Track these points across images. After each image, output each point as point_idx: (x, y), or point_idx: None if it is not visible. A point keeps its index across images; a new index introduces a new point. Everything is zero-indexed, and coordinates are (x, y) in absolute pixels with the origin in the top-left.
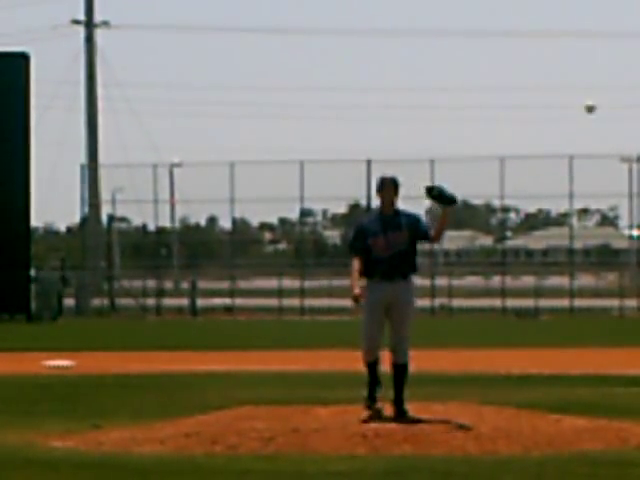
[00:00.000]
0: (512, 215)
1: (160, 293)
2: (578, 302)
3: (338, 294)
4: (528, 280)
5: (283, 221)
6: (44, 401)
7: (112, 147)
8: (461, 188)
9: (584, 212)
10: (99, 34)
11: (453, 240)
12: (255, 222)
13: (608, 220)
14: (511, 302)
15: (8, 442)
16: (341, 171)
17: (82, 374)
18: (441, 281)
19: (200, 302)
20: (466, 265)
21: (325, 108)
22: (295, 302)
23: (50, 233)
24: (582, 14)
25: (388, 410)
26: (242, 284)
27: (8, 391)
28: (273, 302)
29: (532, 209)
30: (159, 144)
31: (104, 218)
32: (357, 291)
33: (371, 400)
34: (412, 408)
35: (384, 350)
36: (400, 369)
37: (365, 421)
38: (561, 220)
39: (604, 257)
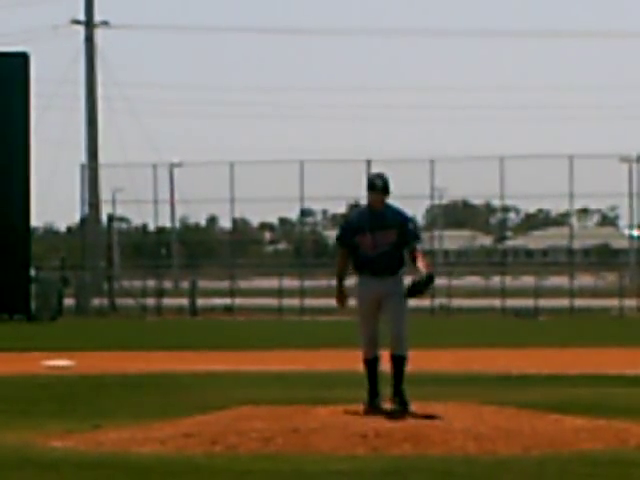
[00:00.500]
0: (512, 215)
1: (160, 293)
2: (578, 302)
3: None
4: (528, 280)
5: (283, 221)
6: (44, 401)
7: (112, 147)
8: (461, 188)
9: (584, 212)
10: (99, 34)
11: (453, 240)
12: (255, 222)
13: (608, 220)
14: (511, 302)
15: (7, 442)
16: (341, 171)
17: (82, 374)
18: (440, 281)
19: (200, 302)
20: (466, 265)
21: (325, 108)
22: (295, 302)
23: (50, 233)
24: (583, 14)
25: (387, 405)
26: (242, 284)
27: (8, 391)
28: (273, 302)
29: (532, 209)
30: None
31: (104, 218)
32: (338, 297)
33: (372, 396)
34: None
35: (384, 351)
36: (399, 360)
37: (366, 412)
38: (561, 220)
39: (604, 257)
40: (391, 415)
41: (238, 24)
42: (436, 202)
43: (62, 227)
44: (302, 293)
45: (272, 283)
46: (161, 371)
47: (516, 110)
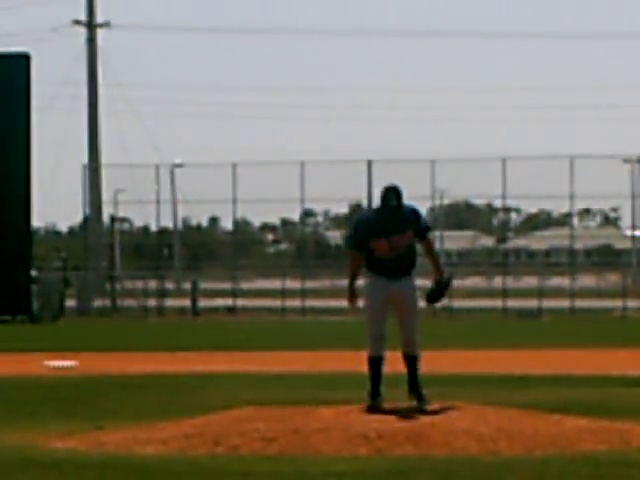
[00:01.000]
0: (514, 216)
1: (162, 294)
2: (580, 303)
3: (340, 294)
4: (530, 281)
5: (285, 222)
6: (46, 402)
7: (114, 148)
8: (463, 188)
9: (586, 213)
10: (100, 35)
11: (455, 240)
12: (257, 223)
13: (610, 221)
14: (513, 303)
15: (10, 443)
16: (342, 172)
17: (84, 375)
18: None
19: (202, 303)
20: (468, 265)
21: (326, 109)
22: (297, 303)
23: (52, 234)
24: (583, 15)
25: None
26: (244, 285)
27: (10, 392)
28: (275, 303)
29: (534, 210)
30: (161, 145)
31: (106, 219)
32: (350, 297)
33: (373, 395)
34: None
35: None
36: (412, 359)
37: (369, 410)
38: (563, 221)
39: (606, 258)
40: (395, 415)
41: (240, 25)
42: (438, 203)
43: (64, 228)
44: (304, 294)
45: (274, 284)
46: (163, 372)
47: (518, 111)
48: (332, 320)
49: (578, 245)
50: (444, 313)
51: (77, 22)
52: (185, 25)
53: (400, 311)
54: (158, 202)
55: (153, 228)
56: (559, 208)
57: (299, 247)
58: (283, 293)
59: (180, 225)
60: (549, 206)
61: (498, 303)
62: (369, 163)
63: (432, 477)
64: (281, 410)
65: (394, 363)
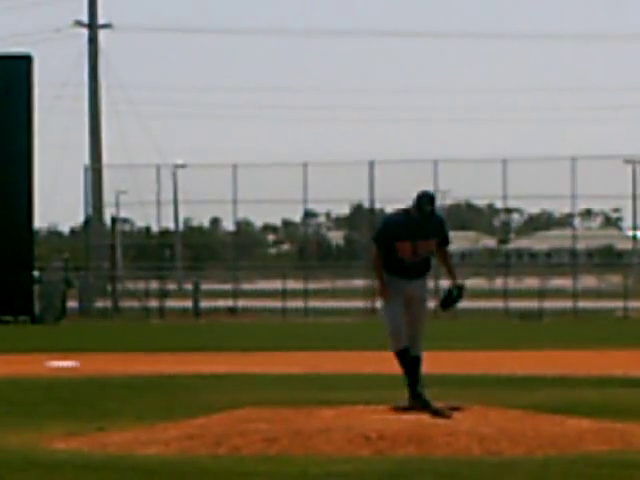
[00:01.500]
0: (515, 216)
1: (163, 295)
2: (581, 303)
3: (342, 296)
4: (531, 281)
5: (286, 222)
6: (47, 403)
7: (115, 149)
8: (464, 189)
9: (587, 213)
10: (102, 36)
11: (456, 241)
12: (258, 224)
13: (611, 221)
14: (514, 303)
15: (11, 444)
16: (344, 172)
17: (86, 375)
18: (444, 282)
19: (203, 304)
20: (469, 266)
21: (328, 109)
22: (299, 304)
23: (53, 234)
24: (584, 16)
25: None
26: (245, 286)
27: (12, 393)
28: (276, 304)
29: (535, 210)
30: (162, 146)
31: (107, 219)
32: (384, 291)
33: (413, 388)
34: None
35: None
36: (416, 360)
37: (410, 408)
38: (564, 221)
39: (607, 258)
40: (396, 416)
41: (242, 26)
42: (439, 203)
43: (66, 229)
44: (306, 295)
45: (276, 285)
46: (165, 373)
47: (519, 111)
48: (333, 321)
49: (580, 246)
50: (446, 314)
51: (79, 23)
52: (187, 26)
53: (410, 311)
54: (159, 203)
55: (155, 229)
56: (561, 209)
57: (301, 248)
58: (285, 294)
59: (182, 226)
60: (551, 207)
61: (500, 304)
62: (371, 164)
63: (434, 478)
64: (282, 411)
65: (394, 363)
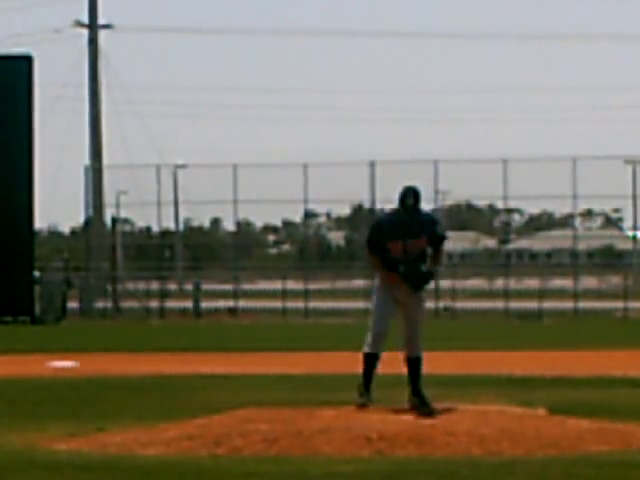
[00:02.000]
0: (515, 217)
1: (164, 295)
2: (582, 304)
3: (342, 296)
4: (531, 282)
5: (287, 223)
6: (48, 403)
7: (116, 149)
8: (464, 190)
9: (588, 214)
10: (102, 36)
11: (456, 242)
12: (259, 224)
13: (612, 222)
14: (514, 304)
15: (12, 444)
16: (344, 173)
17: (86, 376)
18: (444, 283)
19: (204, 304)
20: (469, 267)
21: (328, 110)
22: (299, 304)
23: (54, 235)
24: (585, 16)
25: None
26: (246, 286)
27: (12, 393)
28: (277, 304)
29: (536, 211)
30: (162, 146)
31: (108, 220)
32: (392, 277)
33: (362, 392)
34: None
35: (388, 352)
36: (415, 362)
37: (358, 409)
38: (565, 222)
39: (608, 259)
40: (396, 416)
41: (242, 26)
42: (439, 204)
43: (66, 229)
44: (306, 295)
45: (276, 285)
46: (165, 373)
47: (519, 112)
48: (334, 322)
49: (580, 246)
50: (446, 314)
51: (79, 24)
52: (187, 26)
53: (405, 312)
54: (160, 203)
55: (155, 229)
56: (561, 209)
57: (301, 248)
58: (285, 294)
59: (182, 226)
60: (551, 207)
61: (500, 304)
62: (371, 164)
63: (434, 478)
64: (283, 411)
65: (395, 364)
